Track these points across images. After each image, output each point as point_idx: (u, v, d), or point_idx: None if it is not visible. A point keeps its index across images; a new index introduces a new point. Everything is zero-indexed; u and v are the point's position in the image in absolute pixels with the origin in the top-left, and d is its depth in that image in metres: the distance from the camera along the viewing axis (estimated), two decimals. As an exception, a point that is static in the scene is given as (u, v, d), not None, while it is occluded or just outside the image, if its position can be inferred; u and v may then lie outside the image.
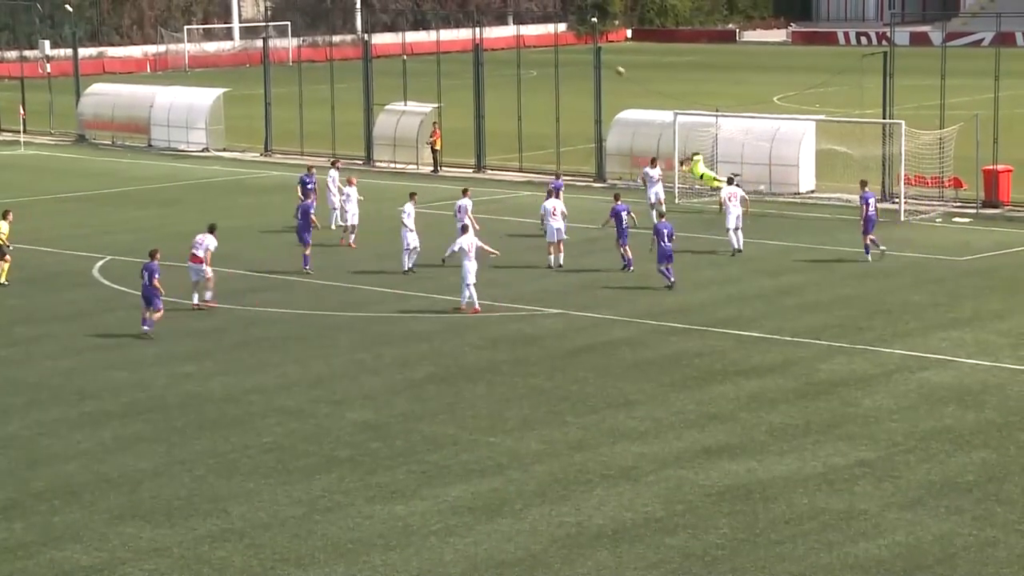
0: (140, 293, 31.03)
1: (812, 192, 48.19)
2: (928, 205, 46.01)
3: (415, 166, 57.02)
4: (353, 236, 40.60)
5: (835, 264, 37.97)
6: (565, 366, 28.50)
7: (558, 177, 44.63)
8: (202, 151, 63.32)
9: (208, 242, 33.24)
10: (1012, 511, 20.70)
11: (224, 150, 63.45)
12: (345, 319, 32.59)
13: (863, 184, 39.06)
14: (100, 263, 38.53)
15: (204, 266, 33.08)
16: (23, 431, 24.94)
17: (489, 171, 56.05)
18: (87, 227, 43.33)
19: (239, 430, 24.75)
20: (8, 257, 36.63)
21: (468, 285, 32.60)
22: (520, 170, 55.10)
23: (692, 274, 36.93)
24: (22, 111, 67.41)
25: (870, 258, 37.84)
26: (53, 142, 68.23)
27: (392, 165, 57.77)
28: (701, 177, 47.39)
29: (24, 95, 68.96)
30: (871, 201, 38.19)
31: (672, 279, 34.76)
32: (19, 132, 67.35)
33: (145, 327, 30.67)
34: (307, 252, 37.07)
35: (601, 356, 29.20)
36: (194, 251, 33.18)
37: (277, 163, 59.47)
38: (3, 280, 36.51)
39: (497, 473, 22.45)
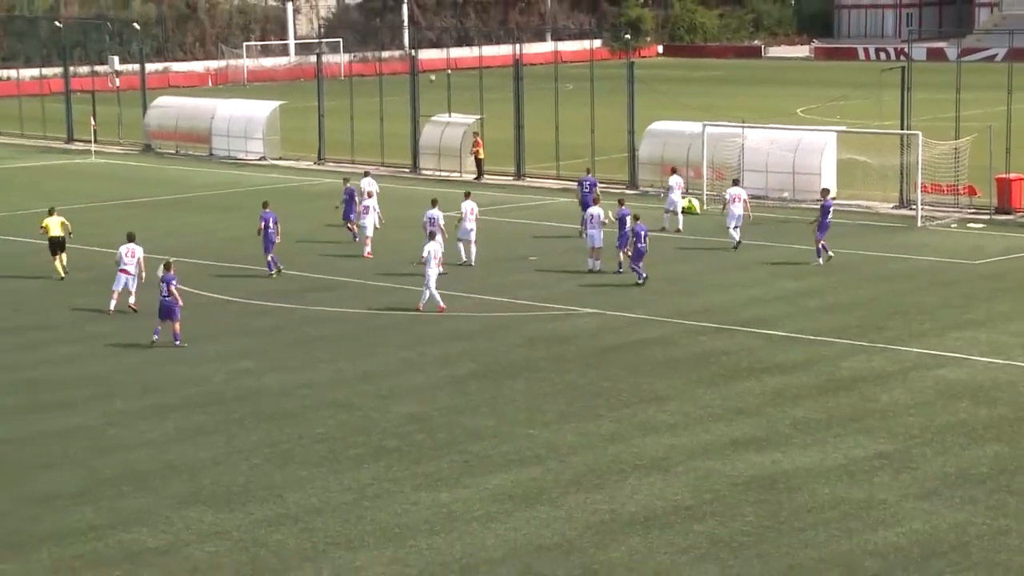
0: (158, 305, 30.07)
1: (833, 199, 47.85)
2: (944, 211, 45.69)
3: (459, 174, 57.05)
4: (368, 248, 39.67)
5: (855, 267, 37.74)
6: (599, 363, 28.42)
7: (588, 172, 44.60)
8: (259, 160, 63.54)
9: (137, 252, 32.92)
10: (1023, 501, 20.52)
11: (280, 159, 63.68)
12: (390, 319, 32.60)
13: (824, 192, 38.98)
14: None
15: (133, 276, 32.69)
16: (92, 422, 25.07)
17: (528, 179, 56.05)
18: (152, 230, 43.48)
19: (293, 422, 24.80)
20: (63, 253, 37.34)
21: (429, 288, 32.57)
22: (557, 177, 55.04)
23: (719, 277, 36.82)
24: (93, 122, 67.89)
25: (821, 261, 37.61)
26: (121, 151, 68.66)
27: (437, 173, 57.83)
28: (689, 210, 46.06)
29: (95, 107, 69.41)
30: (831, 209, 38.03)
31: (643, 276, 35.20)
32: (90, 142, 67.82)
33: (156, 336, 29.98)
34: (269, 258, 36.93)
35: (633, 354, 29.11)
36: (124, 266, 32.65)
37: (329, 171, 59.57)
38: (62, 275, 37.17)
39: (535, 463, 22.41)
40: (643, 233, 35.24)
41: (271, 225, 36.79)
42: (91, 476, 22.20)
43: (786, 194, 48.11)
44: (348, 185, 43.09)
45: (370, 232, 40.00)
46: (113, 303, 33.06)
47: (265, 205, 37.68)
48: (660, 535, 19.46)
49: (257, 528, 19.97)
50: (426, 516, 20.27)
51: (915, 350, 29.07)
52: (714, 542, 19.21)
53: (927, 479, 21.49)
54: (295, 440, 23.79)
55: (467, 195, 39.40)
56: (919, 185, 44.74)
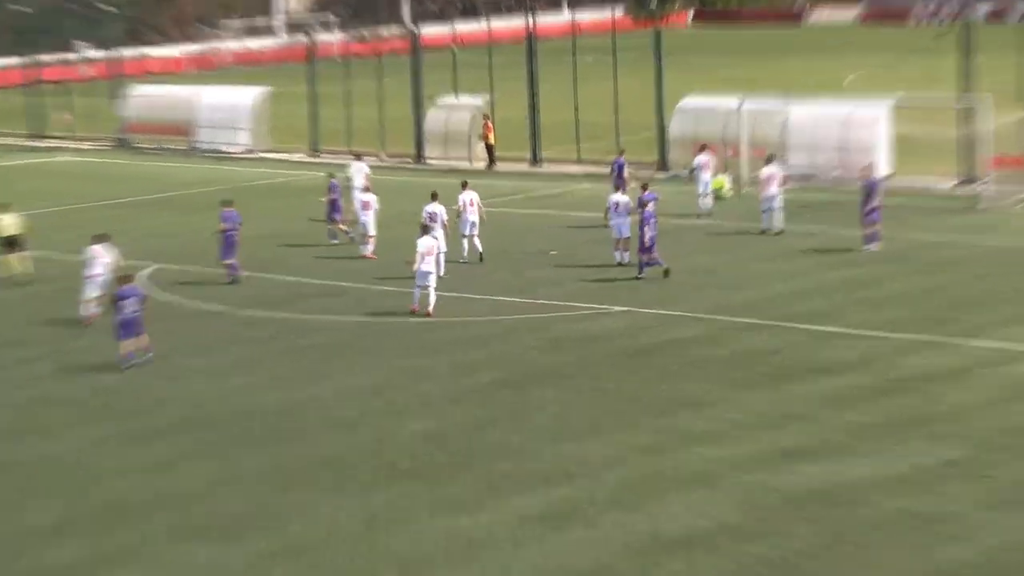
0: (119, 324, 29.63)
1: (889, 177, 47.82)
2: (1012, 188, 45.51)
3: (468, 162, 57.06)
4: (370, 247, 39.91)
5: (912, 253, 37.67)
6: (632, 367, 28.42)
7: (621, 153, 44.73)
8: (246, 152, 63.72)
9: (107, 256, 33.36)
10: (1110, 510, 20.47)
11: (270, 151, 63.84)
12: (398, 325, 32.64)
13: (867, 169, 38.81)
14: (148, 271, 38.77)
15: (103, 281, 33.09)
16: (73, 449, 25.12)
17: (546, 164, 56.04)
18: (132, 234, 43.64)
19: (295, 443, 24.83)
20: (23, 252, 38.43)
21: (424, 286, 32.73)
22: (578, 162, 55.03)
23: (759, 267, 36.82)
24: (68, 116, 68.11)
25: (874, 247, 37.48)
26: (92, 147, 68.88)
27: (444, 162, 57.84)
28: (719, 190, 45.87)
29: (68, 99, 69.66)
30: (877, 187, 37.89)
31: (663, 263, 35.62)
32: (61, 138, 68.06)
33: (133, 359, 29.65)
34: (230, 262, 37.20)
35: (669, 355, 29.11)
36: (94, 270, 33.13)
37: (325, 163, 59.65)
38: (16, 272, 38.30)
39: (565, 481, 22.41)
40: (652, 220, 35.38)
41: (235, 227, 36.97)
42: (73, 507, 22.24)
43: (836, 173, 48.02)
44: (333, 180, 43.04)
45: (372, 230, 39.95)
46: (90, 309, 33.19)
47: (227, 204, 37.76)
48: (706, 558, 19.45)
49: (259, 562, 19.99)
50: (445, 544, 20.28)
51: (983, 344, 29.01)
52: (766, 564, 19.19)
53: (1004, 488, 21.43)
54: (298, 463, 23.82)
55: (464, 185, 39.36)
56: (989, 159, 44.44)
